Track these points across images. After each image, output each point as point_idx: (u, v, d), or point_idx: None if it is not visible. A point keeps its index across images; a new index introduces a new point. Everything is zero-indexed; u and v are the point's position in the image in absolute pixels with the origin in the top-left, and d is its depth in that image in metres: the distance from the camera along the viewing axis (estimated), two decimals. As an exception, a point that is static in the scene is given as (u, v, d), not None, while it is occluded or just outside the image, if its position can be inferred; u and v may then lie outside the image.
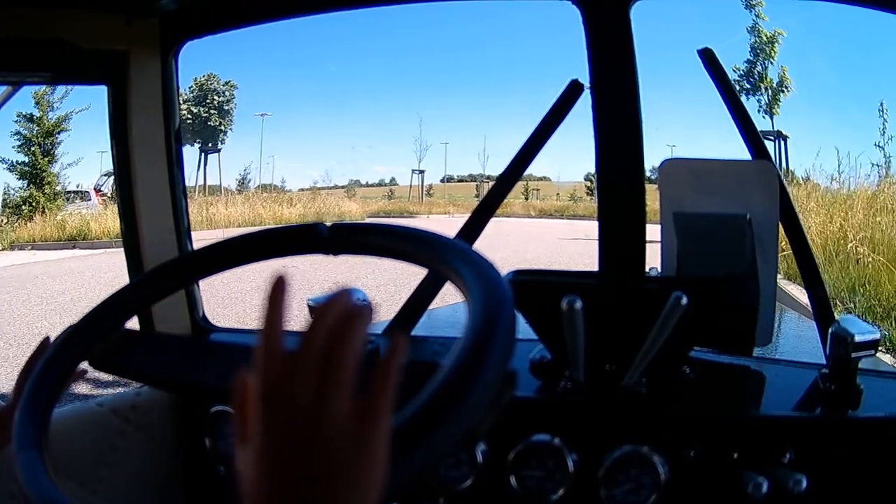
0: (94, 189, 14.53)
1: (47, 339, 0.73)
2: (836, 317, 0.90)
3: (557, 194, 20.61)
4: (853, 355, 0.80)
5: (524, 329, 0.87)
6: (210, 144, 18.44)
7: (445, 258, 0.54)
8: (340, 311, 0.38)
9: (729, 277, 0.86)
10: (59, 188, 12.59)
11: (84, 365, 0.67)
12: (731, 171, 0.92)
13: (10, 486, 0.85)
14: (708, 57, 0.97)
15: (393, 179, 24.16)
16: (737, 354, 0.95)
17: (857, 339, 0.80)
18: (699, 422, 0.79)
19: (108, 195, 14.30)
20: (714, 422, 0.79)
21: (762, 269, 0.89)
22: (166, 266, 0.70)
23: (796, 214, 0.95)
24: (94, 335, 0.66)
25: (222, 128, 18.63)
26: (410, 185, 21.91)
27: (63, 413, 0.95)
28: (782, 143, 12.22)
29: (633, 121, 0.94)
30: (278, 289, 0.39)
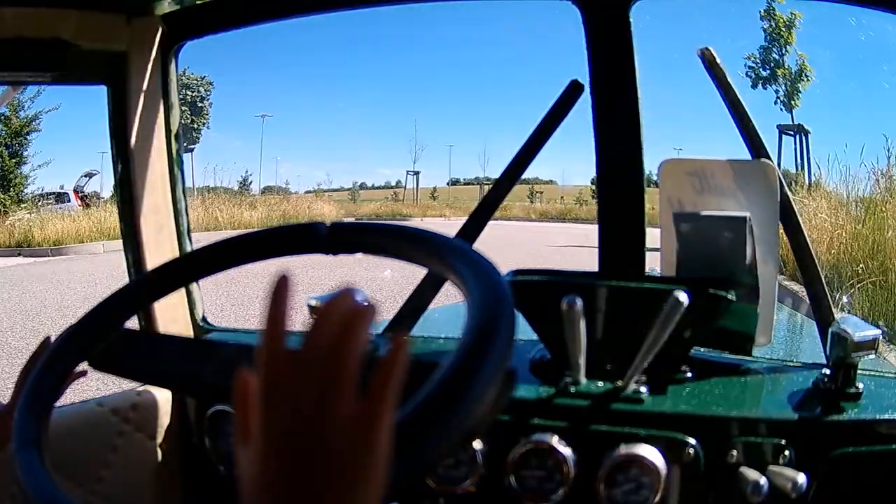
0: (74, 190, 14.14)
1: (48, 338, 0.73)
2: (836, 317, 0.90)
3: (562, 197, 20.33)
4: (853, 355, 0.80)
5: (524, 329, 0.87)
6: (185, 143, 17.50)
7: (445, 258, 0.54)
8: (344, 310, 0.38)
9: (729, 277, 0.86)
10: (27, 190, 12.23)
11: (84, 365, 0.67)
12: (731, 171, 0.92)
13: (9, 486, 0.85)
14: (708, 57, 0.97)
15: (399, 182, 24.14)
16: (737, 354, 0.95)
17: (857, 339, 0.80)
18: (699, 422, 0.79)
19: (89, 196, 13.84)
20: (714, 422, 0.79)
21: (762, 269, 0.89)
22: (166, 266, 0.70)
23: (796, 214, 0.95)
24: (95, 335, 0.66)
25: (195, 126, 17.54)
26: (405, 188, 21.76)
27: (63, 413, 0.95)
28: (804, 138, 10.65)
29: (633, 121, 0.94)
30: (282, 288, 0.39)
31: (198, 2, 1.06)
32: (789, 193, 0.93)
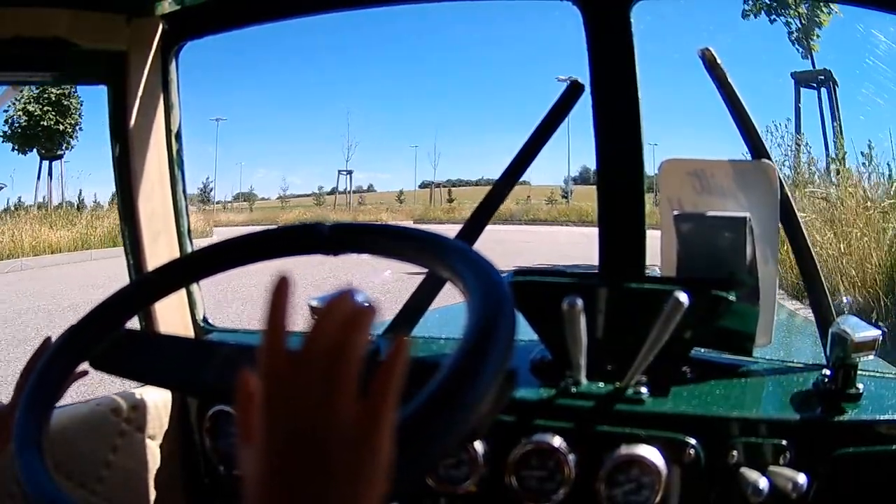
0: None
1: (49, 339, 0.73)
2: (836, 317, 0.90)
3: (528, 197, 19.64)
4: (853, 356, 0.80)
5: (525, 329, 0.87)
6: (57, 150, 14.71)
7: (445, 258, 0.54)
8: (344, 311, 0.38)
9: (729, 278, 0.86)
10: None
11: (84, 365, 0.67)
12: (731, 171, 0.92)
13: (9, 486, 0.85)
14: (708, 57, 0.97)
15: (371, 186, 23.78)
16: (737, 354, 0.95)
17: (857, 339, 0.80)
18: (700, 422, 0.79)
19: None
20: (715, 422, 0.79)
21: (762, 269, 0.89)
22: (166, 266, 0.70)
23: (796, 214, 0.95)
24: (95, 335, 0.66)
25: (61, 129, 14.42)
26: (344, 191, 20.93)
27: (63, 413, 0.95)
28: (832, 89, 8.00)
29: (633, 121, 0.94)
30: (282, 288, 0.39)
31: (198, 2, 1.06)
32: (790, 194, 0.93)
